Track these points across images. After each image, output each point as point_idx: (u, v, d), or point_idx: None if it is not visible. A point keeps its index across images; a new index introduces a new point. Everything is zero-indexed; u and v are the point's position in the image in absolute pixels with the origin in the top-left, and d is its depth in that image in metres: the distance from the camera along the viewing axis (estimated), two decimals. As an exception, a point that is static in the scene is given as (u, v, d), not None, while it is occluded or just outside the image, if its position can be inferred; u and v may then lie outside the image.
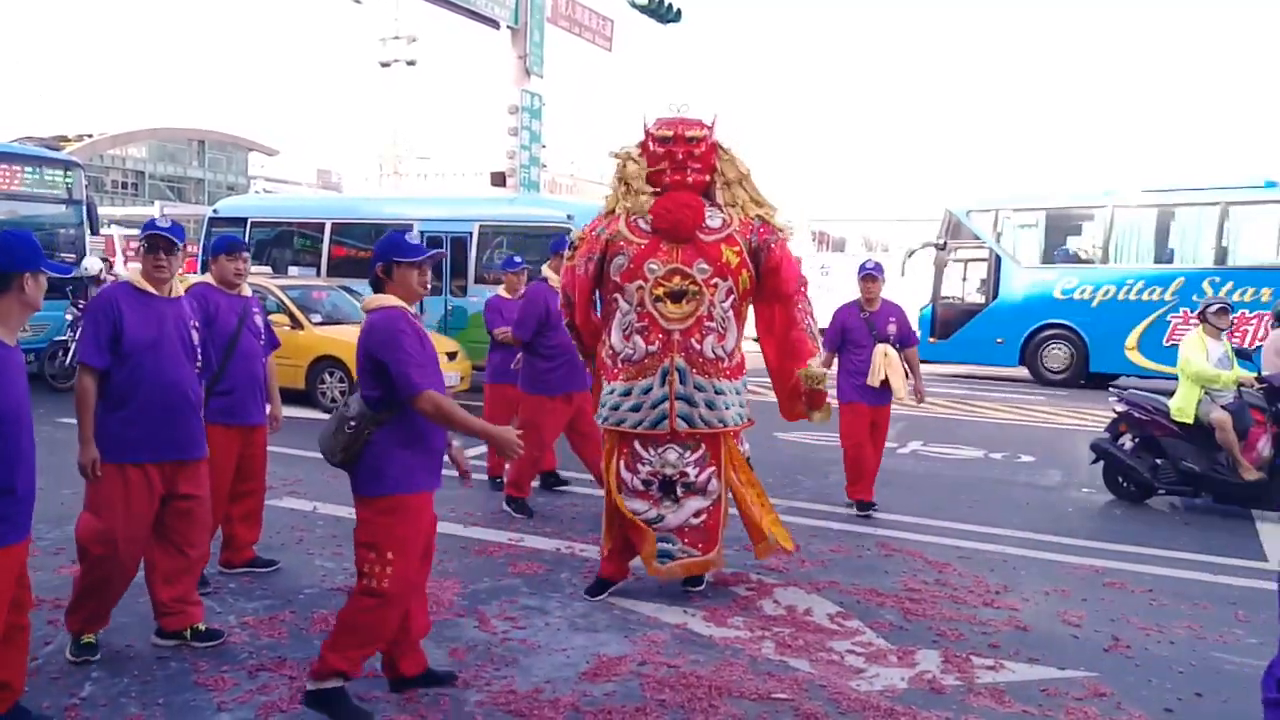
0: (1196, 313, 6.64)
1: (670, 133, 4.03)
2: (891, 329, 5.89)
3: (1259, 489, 6.03)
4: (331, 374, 9.35)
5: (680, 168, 4.03)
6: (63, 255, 10.65)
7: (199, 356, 3.47)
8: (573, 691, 3.20)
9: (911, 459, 7.93)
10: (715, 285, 3.97)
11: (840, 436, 6.05)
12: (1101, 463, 6.59)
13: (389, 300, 2.96)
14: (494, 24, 17.67)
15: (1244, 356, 6.52)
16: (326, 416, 8.16)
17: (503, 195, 16.04)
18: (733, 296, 4.03)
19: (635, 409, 3.99)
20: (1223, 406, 6.17)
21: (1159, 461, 6.39)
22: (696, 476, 4.03)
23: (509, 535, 5.15)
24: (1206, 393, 6.26)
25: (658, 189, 4.06)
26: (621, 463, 4.06)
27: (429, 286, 3.14)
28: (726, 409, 4.01)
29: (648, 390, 3.97)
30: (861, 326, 5.90)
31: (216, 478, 4.09)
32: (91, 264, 9.83)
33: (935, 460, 7.83)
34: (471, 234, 11.55)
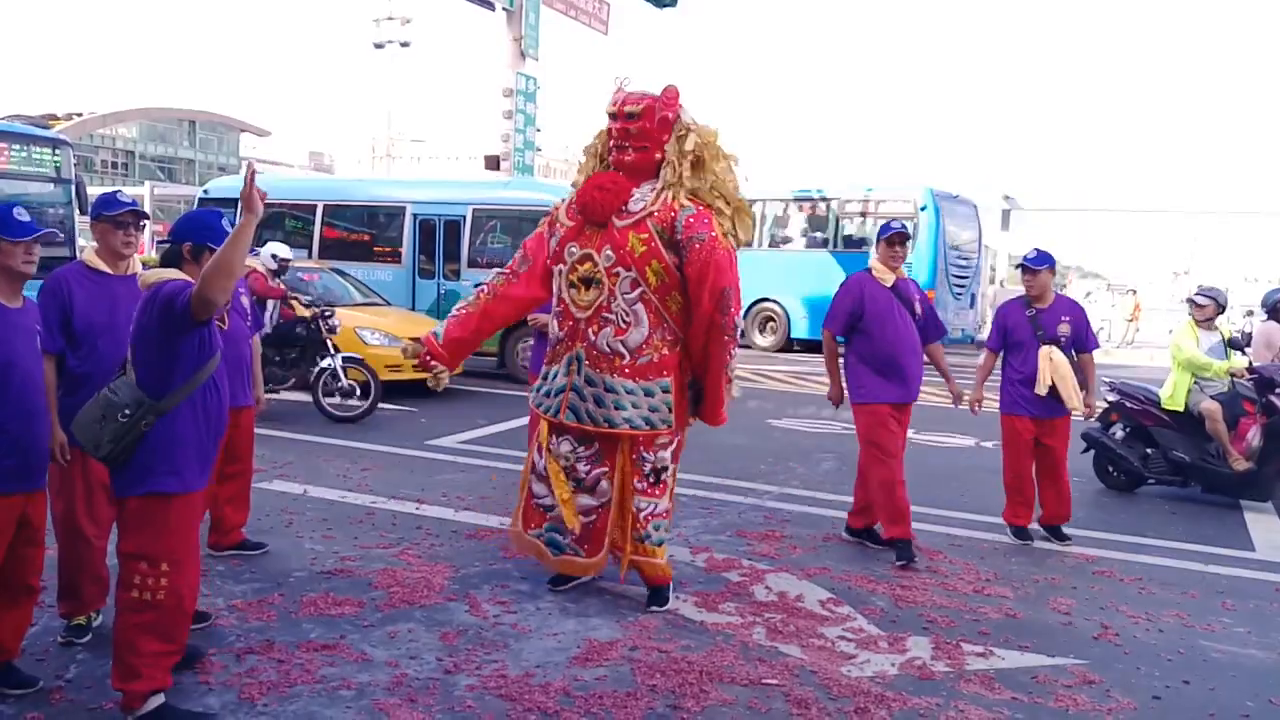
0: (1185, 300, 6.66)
1: (613, 109, 3.77)
2: (1063, 329, 5.06)
3: (1248, 479, 6.06)
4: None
5: (620, 145, 3.77)
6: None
7: None
8: (563, 676, 3.19)
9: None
10: (618, 275, 3.66)
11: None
12: (1092, 452, 6.61)
13: (183, 276, 2.75)
14: (489, 6, 17.51)
15: (1237, 348, 6.54)
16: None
17: (496, 179, 15.94)
18: (640, 289, 3.66)
19: (547, 394, 3.89)
20: (1213, 397, 6.19)
21: (1149, 451, 6.42)
22: (586, 474, 3.81)
23: (500, 520, 5.13)
24: (1197, 382, 6.28)
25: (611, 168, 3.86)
26: (535, 446, 4.00)
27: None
28: (617, 409, 3.66)
29: (554, 376, 3.86)
30: (1025, 325, 5.11)
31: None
32: (279, 249, 8.21)
33: (927, 448, 7.83)
34: (465, 218, 11.49)
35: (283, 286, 8.17)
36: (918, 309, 4.79)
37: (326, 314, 8.21)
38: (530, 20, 17.92)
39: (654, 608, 3.84)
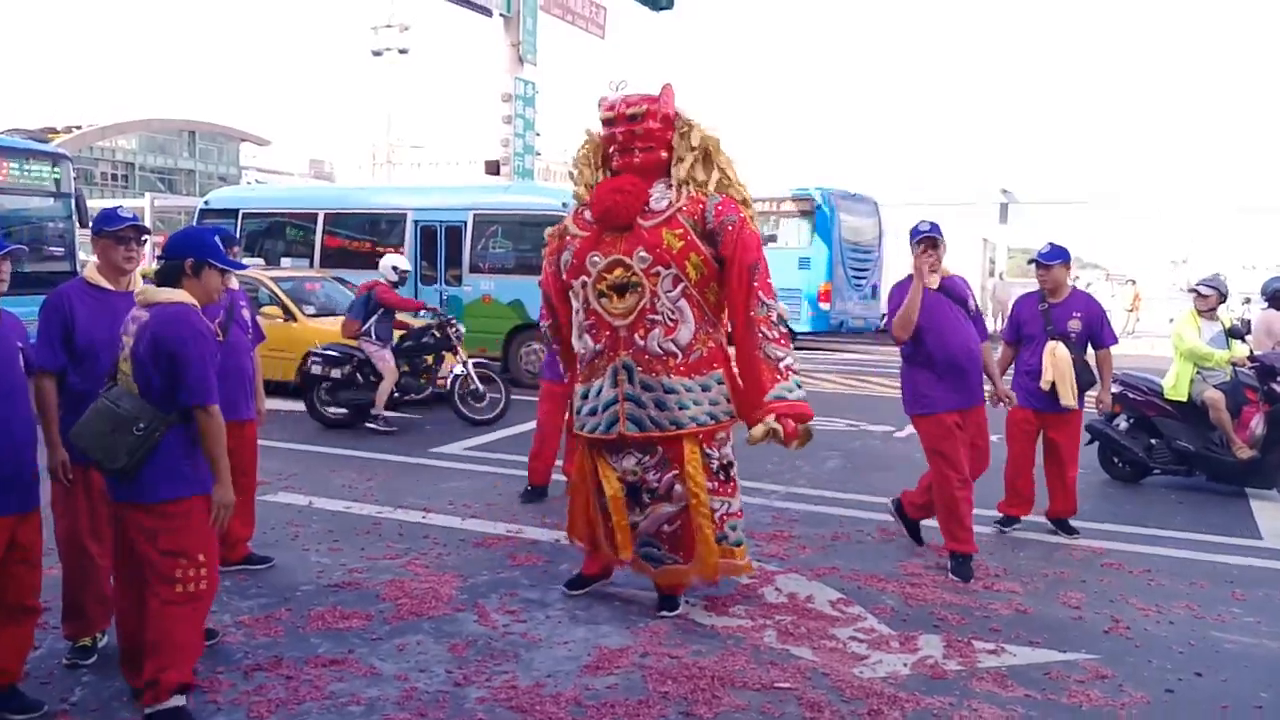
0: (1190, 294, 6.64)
1: (611, 114, 3.74)
2: (1074, 325, 5.06)
3: (1253, 467, 6.04)
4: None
5: (625, 149, 3.73)
6: (50, 249, 10.57)
7: None
8: (574, 685, 3.18)
9: (909, 443, 7.92)
10: (657, 274, 3.62)
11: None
12: (1096, 443, 6.60)
13: (183, 296, 2.87)
14: (486, 12, 17.52)
15: (1238, 336, 6.52)
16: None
17: (497, 184, 15.96)
18: (682, 284, 3.64)
19: (592, 412, 3.76)
20: (1215, 386, 6.18)
21: (1153, 441, 6.40)
22: (658, 482, 3.74)
23: (507, 527, 5.14)
24: (1199, 372, 6.26)
25: (617, 173, 3.79)
26: (598, 467, 3.85)
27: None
28: (681, 409, 3.64)
29: (599, 392, 3.72)
30: (1037, 319, 5.11)
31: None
32: (399, 261, 8.20)
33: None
34: (466, 223, 11.48)
35: (421, 300, 8.57)
36: (971, 307, 4.58)
37: (451, 321, 8.33)
38: (528, 26, 17.94)
39: (664, 613, 3.83)
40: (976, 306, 4.68)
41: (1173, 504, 6.01)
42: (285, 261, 12.34)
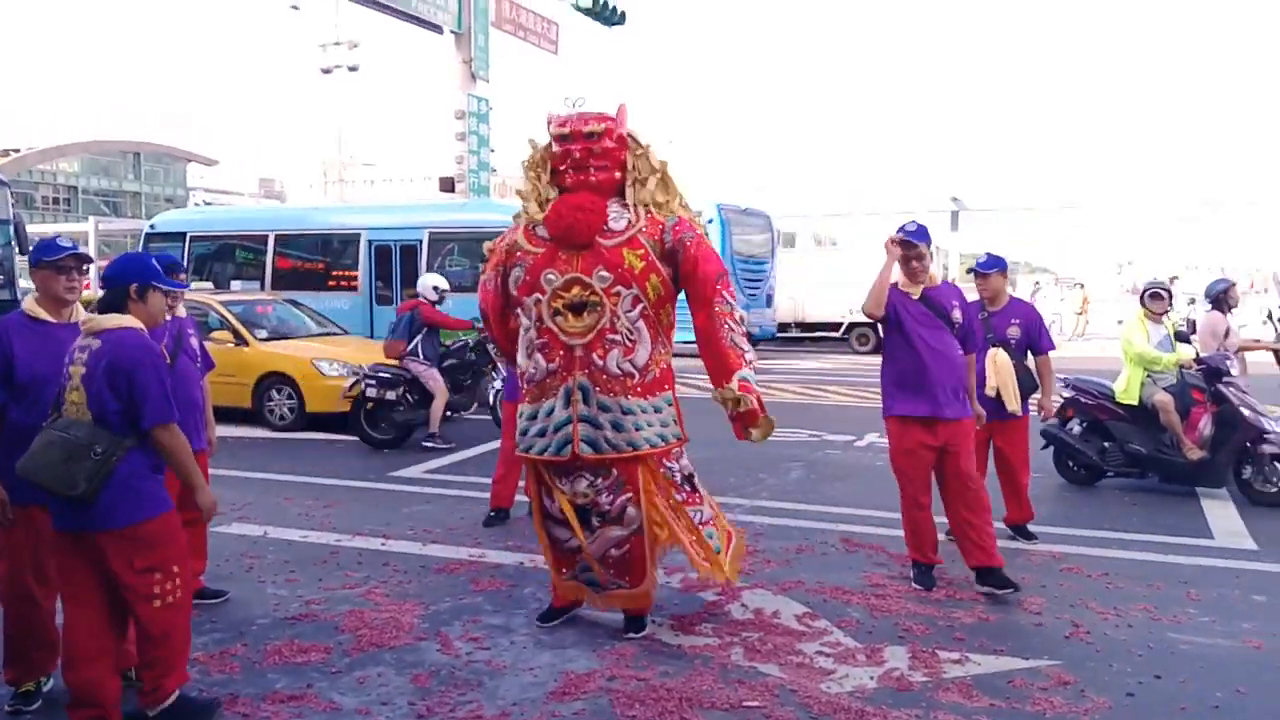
0: (1138, 296, 6.80)
1: (567, 130, 3.66)
2: (1013, 332, 5.18)
3: (1203, 467, 6.20)
4: (280, 390, 9.10)
5: (581, 167, 3.67)
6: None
7: None
8: (541, 712, 3.13)
9: (869, 451, 8.00)
10: (618, 294, 3.58)
11: None
12: (1051, 448, 6.72)
13: (131, 321, 2.92)
14: (437, 29, 17.45)
15: (1184, 339, 6.70)
16: (275, 435, 8.04)
17: (453, 201, 15.86)
18: (641, 305, 3.61)
19: (540, 434, 3.65)
20: (1164, 389, 6.33)
21: (1106, 445, 6.54)
22: (610, 505, 3.66)
23: (470, 552, 5.05)
24: (1149, 375, 6.42)
25: (566, 190, 3.72)
26: (542, 489, 3.79)
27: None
28: (637, 430, 3.59)
29: (550, 412, 3.63)
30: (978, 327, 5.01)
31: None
32: (439, 281, 8.31)
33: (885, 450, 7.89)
34: (422, 241, 11.39)
35: (470, 320, 8.53)
36: (955, 318, 4.45)
37: (489, 337, 8.49)
38: (479, 42, 17.90)
39: (631, 634, 3.79)
40: (966, 319, 4.52)
41: (1127, 506, 6.13)
42: (235, 284, 12.11)
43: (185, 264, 12.11)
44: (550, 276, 3.62)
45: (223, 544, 4.97)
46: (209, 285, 11.93)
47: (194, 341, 4.21)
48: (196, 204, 40.08)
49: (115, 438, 2.79)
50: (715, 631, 3.86)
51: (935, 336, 4.39)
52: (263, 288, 12.05)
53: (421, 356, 8.00)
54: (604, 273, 3.57)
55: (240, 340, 9.22)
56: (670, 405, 3.74)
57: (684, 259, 3.64)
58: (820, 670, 3.48)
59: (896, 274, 4.51)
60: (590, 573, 3.78)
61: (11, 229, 10.29)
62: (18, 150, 42.07)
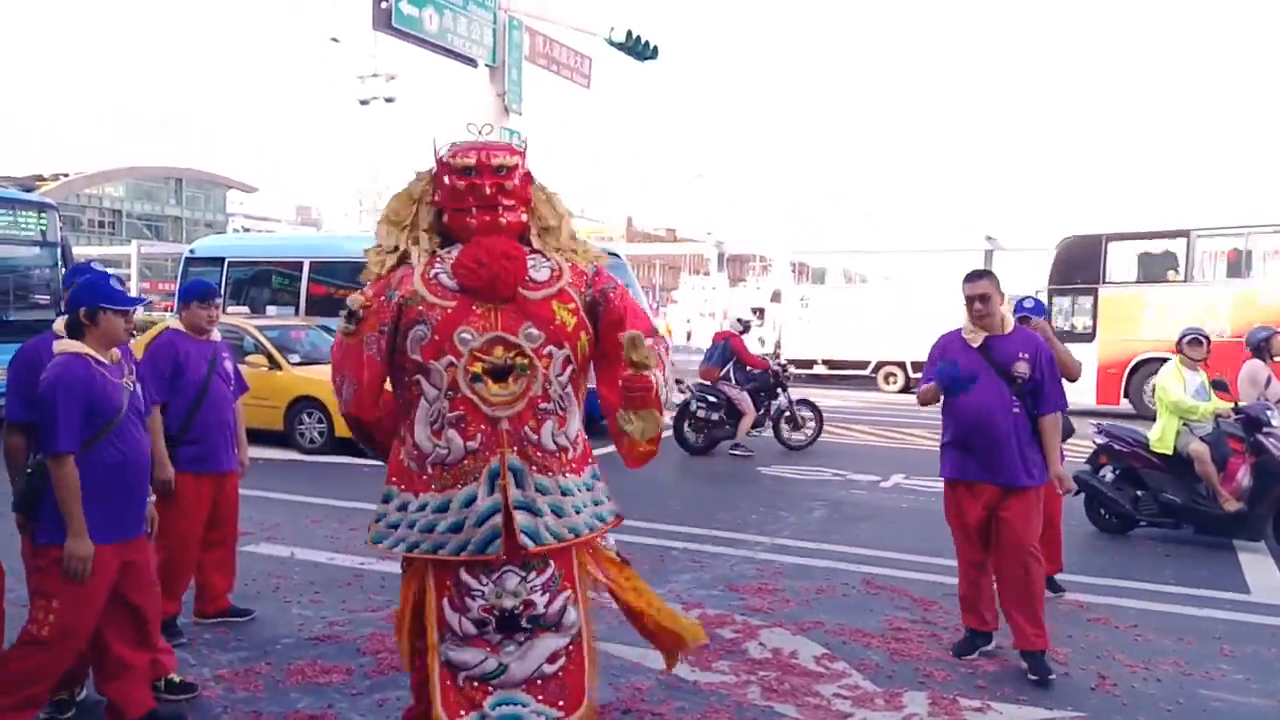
0: (1175, 344, 6.70)
1: (472, 160, 2.96)
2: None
3: (1239, 519, 6.06)
4: (310, 414, 9.25)
5: (489, 205, 2.96)
6: (36, 298, 10.53)
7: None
8: (557, 744, 3.11)
9: (895, 493, 7.93)
10: (549, 355, 2.88)
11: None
12: (1083, 495, 6.62)
13: (76, 347, 2.96)
14: (471, 62, 17.82)
15: (1221, 388, 6.59)
16: (305, 458, 8.16)
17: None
18: (570, 367, 2.94)
19: (456, 528, 2.82)
20: (1201, 438, 6.23)
21: (1139, 493, 6.43)
22: (546, 606, 2.84)
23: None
24: (1185, 424, 6.31)
25: (460, 231, 2.99)
26: (445, 601, 2.85)
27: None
28: (577, 513, 2.90)
29: (470, 501, 2.82)
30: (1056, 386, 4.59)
31: (189, 526, 4.04)
32: (742, 313, 10.55)
33: (919, 493, 7.82)
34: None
35: (767, 361, 10.37)
36: (1018, 371, 3.94)
37: (785, 367, 10.57)
38: (513, 76, 18.25)
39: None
40: (1033, 372, 3.96)
41: (1160, 557, 6.01)
42: (270, 309, 12.34)
43: (223, 288, 12.43)
44: (465, 335, 2.85)
45: (251, 564, 5.03)
46: (245, 310, 12.17)
47: (228, 365, 4.31)
48: (235, 229, 41.03)
49: (38, 459, 2.94)
50: (732, 669, 3.84)
51: (992, 390, 3.95)
52: (297, 313, 12.27)
53: (734, 381, 9.79)
54: (533, 330, 2.88)
55: (274, 364, 9.40)
56: (599, 479, 3.05)
57: (608, 311, 3.01)
58: (838, 713, 3.44)
59: (961, 319, 4.17)
60: (509, 704, 2.81)
61: (59, 251, 10.63)
62: (67, 175, 43.37)
